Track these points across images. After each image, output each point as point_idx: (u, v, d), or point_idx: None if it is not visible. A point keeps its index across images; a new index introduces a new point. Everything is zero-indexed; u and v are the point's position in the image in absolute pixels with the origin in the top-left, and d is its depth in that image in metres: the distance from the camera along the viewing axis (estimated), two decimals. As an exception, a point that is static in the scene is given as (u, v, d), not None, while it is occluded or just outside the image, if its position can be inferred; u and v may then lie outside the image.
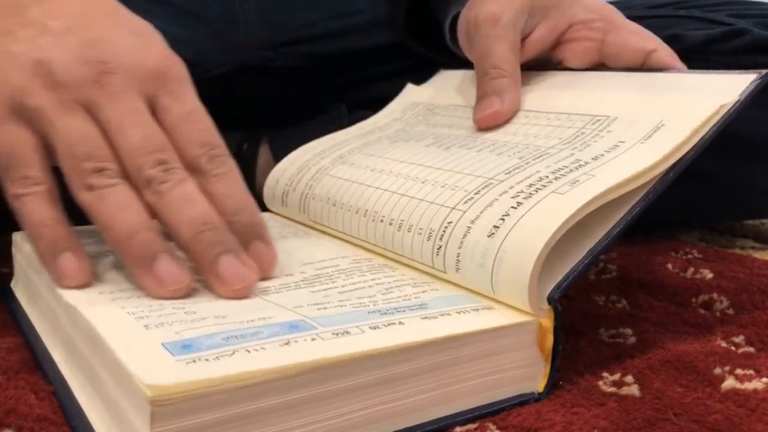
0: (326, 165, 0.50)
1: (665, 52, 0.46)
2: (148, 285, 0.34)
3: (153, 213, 0.35)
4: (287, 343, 0.28)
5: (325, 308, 0.32)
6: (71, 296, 0.33)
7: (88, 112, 0.35)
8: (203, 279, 0.35)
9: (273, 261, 0.37)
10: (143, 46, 0.37)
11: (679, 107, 0.39)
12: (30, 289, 0.40)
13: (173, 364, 0.26)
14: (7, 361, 0.35)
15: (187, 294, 0.34)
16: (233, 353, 0.27)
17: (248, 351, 0.28)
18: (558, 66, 0.50)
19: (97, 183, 0.34)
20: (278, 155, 0.61)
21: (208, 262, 0.34)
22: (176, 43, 0.60)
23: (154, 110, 0.36)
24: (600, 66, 0.49)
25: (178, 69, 0.37)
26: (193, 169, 0.35)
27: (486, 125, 0.47)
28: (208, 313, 0.31)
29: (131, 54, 0.36)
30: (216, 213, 0.35)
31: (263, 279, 0.36)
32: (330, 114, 0.65)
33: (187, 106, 0.37)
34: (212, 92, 0.65)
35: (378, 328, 0.30)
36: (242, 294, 0.34)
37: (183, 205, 0.34)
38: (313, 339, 0.29)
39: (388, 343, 0.29)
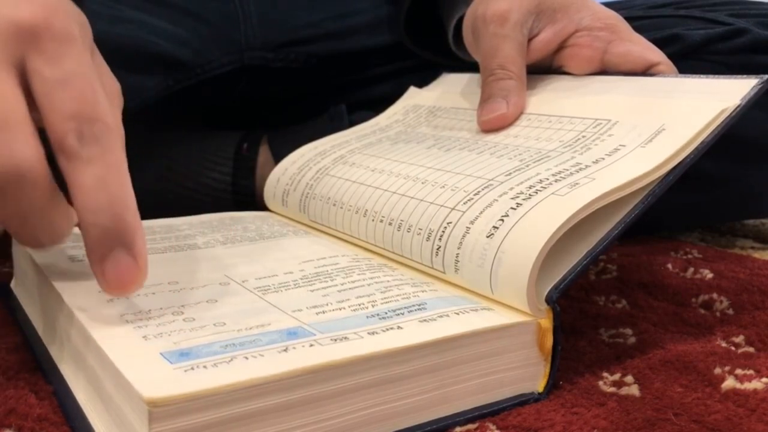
0: (327, 165, 0.50)
1: (668, 67, 0.46)
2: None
3: None
4: (285, 350, 0.28)
5: (323, 312, 0.32)
6: (71, 300, 0.33)
7: None
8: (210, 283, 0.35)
9: (136, 276, 0.30)
10: (22, 1, 0.30)
11: (680, 111, 0.39)
12: (30, 288, 0.40)
13: (171, 372, 0.26)
14: (7, 361, 0.35)
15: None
16: (231, 360, 0.27)
17: (246, 358, 0.28)
18: (558, 71, 0.50)
19: None
20: (278, 155, 0.61)
21: None
22: (176, 43, 0.61)
23: (27, 76, 0.30)
24: (601, 72, 0.49)
25: (61, 23, 0.30)
26: (59, 150, 0.29)
27: (491, 128, 0.47)
28: (207, 320, 0.31)
29: (1, 11, 0.29)
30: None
31: (124, 296, 0.31)
32: (330, 114, 0.65)
33: (62, 70, 0.29)
34: (212, 92, 0.65)
35: (376, 333, 0.30)
36: None
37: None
38: (311, 345, 0.29)
39: (387, 347, 0.29)
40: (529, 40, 0.49)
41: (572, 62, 0.49)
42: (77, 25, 0.31)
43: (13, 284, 0.45)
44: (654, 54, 0.46)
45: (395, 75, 0.68)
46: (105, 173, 0.29)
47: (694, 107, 0.39)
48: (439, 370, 0.30)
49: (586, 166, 0.38)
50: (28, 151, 0.28)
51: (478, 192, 0.38)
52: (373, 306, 0.33)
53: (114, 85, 0.33)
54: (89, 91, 0.29)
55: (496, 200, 0.36)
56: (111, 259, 0.29)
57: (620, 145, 0.39)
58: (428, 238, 0.37)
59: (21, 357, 0.36)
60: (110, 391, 0.28)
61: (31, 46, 0.29)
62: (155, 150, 0.63)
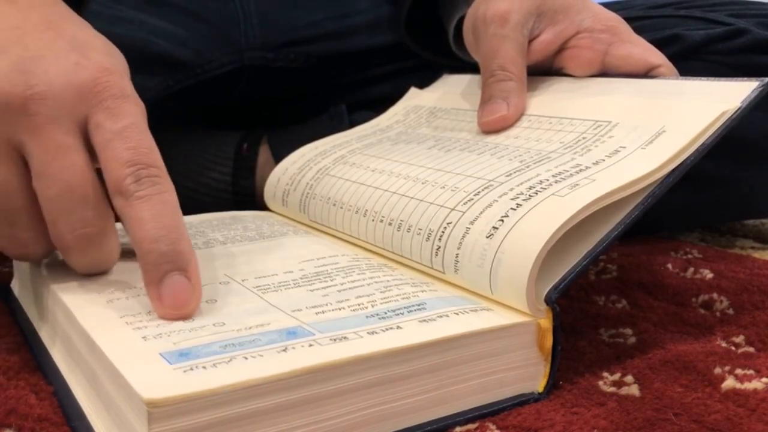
0: (327, 165, 0.50)
1: (669, 69, 0.46)
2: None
3: None
4: (285, 350, 0.28)
5: (323, 312, 0.32)
6: (70, 301, 0.33)
7: (16, 149, 0.33)
8: (210, 282, 0.35)
9: (191, 297, 0.32)
10: (80, 61, 0.34)
11: (681, 113, 0.39)
12: (30, 289, 0.40)
13: (170, 373, 0.26)
14: (7, 361, 0.35)
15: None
16: (230, 360, 0.27)
17: (246, 358, 0.28)
18: (558, 73, 0.50)
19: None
20: (278, 155, 0.61)
21: None
22: (176, 43, 0.61)
23: (88, 130, 0.34)
24: (602, 74, 0.48)
25: (117, 83, 0.34)
26: (117, 192, 0.33)
27: (492, 129, 0.47)
28: (207, 320, 0.31)
29: (64, 73, 0.33)
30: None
31: (180, 319, 0.31)
32: (330, 114, 0.65)
33: (120, 123, 0.33)
34: (212, 92, 0.65)
35: (376, 333, 0.30)
36: None
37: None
38: (310, 345, 0.29)
39: (387, 347, 0.29)
40: (530, 41, 0.49)
41: (573, 64, 0.49)
42: (125, 74, 0.35)
43: (13, 284, 0.45)
44: (655, 56, 0.46)
45: (395, 75, 0.68)
46: (161, 208, 0.32)
47: (695, 109, 0.39)
48: (439, 370, 0.30)
49: (587, 168, 0.38)
50: (101, 223, 0.34)
51: (478, 192, 0.38)
52: (372, 306, 0.33)
53: (143, 107, 0.35)
54: (144, 141, 0.33)
55: (496, 201, 0.36)
56: (167, 281, 0.31)
57: (621, 147, 0.39)
58: (428, 239, 0.37)
59: (21, 357, 0.36)
60: (110, 392, 0.28)
61: (93, 103, 0.33)
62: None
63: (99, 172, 0.34)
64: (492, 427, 0.31)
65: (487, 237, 0.34)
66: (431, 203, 0.39)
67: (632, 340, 0.39)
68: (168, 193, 0.33)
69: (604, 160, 0.38)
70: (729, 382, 0.34)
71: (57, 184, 0.32)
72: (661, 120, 0.40)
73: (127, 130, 0.33)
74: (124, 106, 0.34)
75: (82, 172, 0.33)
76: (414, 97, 0.60)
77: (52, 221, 0.33)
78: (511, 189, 0.37)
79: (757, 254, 0.58)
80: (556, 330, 0.33)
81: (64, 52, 0.34)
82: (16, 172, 0.33)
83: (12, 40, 0.34)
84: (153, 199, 0.32)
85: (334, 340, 0.29)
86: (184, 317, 0.32)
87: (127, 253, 0.39)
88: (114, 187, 0.33)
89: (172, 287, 0.31)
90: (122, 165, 0.32)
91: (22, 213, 0.34)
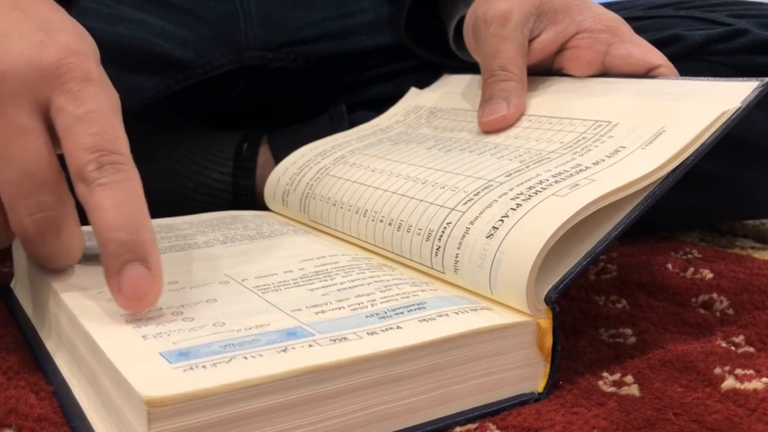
0: (327, 165, 0.50)
1: (669, 70, 0.46)
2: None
3: None
4: (284, 350, 0.28)
5: (323, 311, 0.32)
6: (70, 300, 0.33)
7: None
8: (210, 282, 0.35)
9: (151, 288, 0.31)
10: (44, 41, 0.33)
11: (681, 114, 0.39)
12: (29, 288, 0.40)
13: (170, 372, 0.26)
14: (7, 361, 0.35)
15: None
16: (230, 360, 0.27)
17: (245, 358, 0.28)
18: (558, 73, 0.50)
19: None
20: (278, 155, 0.61)
21: None
22: (176, 43, 0.61)
23: (50, 113, 0.33)
24: (602, 74, 0.48)
25: (82, 65, 0.33)
26: (79, 178, 0.31)
27: (492, 129, 0.47)
28: (206, 320, 0.31)
29: (27, 53, 0.32)
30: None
31: (140, 310, 0.31)
32: (330, 114, 0.65)
33: (83, 108, 0.32)
34: (212, 92, 0.65)
35: (376, 333, 0.30)
36: None
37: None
38: (310, 345, 0.29)
39: (386, 348, 0.29)
40: (530, 41, 0.49)
41: (573, 64, 0.49)
42: (93, 58, 0.34)
43: (13, 284, 0.45)
44: (655, 56, 0.46)
45: (396, 75, 0.68)
46: (123, 197, 0.31)
47: (695, 109, 0.39)
48: (439, 370, 0.30)
49: (587, 168, 0.38)
50: (59, 207, 0.32)
51: (478, 192, 0.38)
52: (372, 305, 0.33)
53: (114, 96, 0.35)
54: (108, 127, 0.32)
55: (496, 201, 0.36)
56: (126, 271, 0.31)
57: (620, 147, 0.39)
58: (428, 239, 0.37)
59: (21, 357, 0.36)
60: (110, 391, 0.28)
61: (55, 86, 0.32)
62: (155, 150, 0.63)
63: (61, 158, 0.33)
64: (492, 427, 0.31)
65: (487, 237, 0.34)
66: (431, 203, 0.39)
67: (632, 340, 0.39)
68: (131, 180, 0.32)
69: (604, 160, 0.38)
70: (729, 382, 0.34)
71: (15, 166, 0.32)
72: (661, 120, 0.40)
73: (90, 115, 0.32)
74: (88, 89, 0.32)
75: (42, 155, 0.32)
76: (414, 97, 0.60)
77: (10, 205, 0.32)
78: (511, 189, 0.37)
79: (757, 254, 0.58)
80: (556, 330, 0.33)
81: (29, 32, 0.33)
82: None
83: None
84: (115, 187, 0.31)
85: (334, 340, 0.29)
86: (144, 308, 0.31)
87: None
88: (76, 173, 0.32)
89: (132, 277, 0.30)
90: (84, 151, 0.31)
91: None
